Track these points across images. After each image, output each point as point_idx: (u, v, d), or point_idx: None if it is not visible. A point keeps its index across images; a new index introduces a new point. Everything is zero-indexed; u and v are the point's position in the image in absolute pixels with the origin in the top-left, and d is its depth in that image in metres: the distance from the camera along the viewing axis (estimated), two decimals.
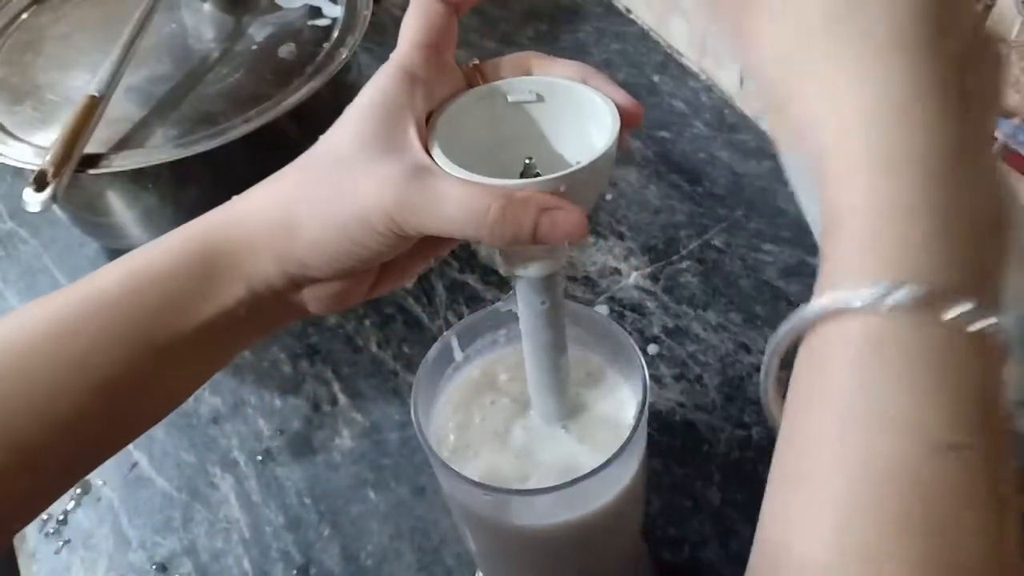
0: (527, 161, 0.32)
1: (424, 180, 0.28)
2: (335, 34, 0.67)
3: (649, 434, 0.42)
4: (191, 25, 0.68)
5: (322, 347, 0.64)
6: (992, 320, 0.20)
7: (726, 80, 0.77)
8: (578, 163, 0.29)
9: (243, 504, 0.56)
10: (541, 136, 0.33)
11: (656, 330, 0.62)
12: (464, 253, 0.68)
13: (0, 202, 0.78)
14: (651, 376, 0.54)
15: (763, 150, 0.73)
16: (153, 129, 0.60)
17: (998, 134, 0.52)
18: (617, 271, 0.66)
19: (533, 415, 0.40)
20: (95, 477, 0.58)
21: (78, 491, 0.58)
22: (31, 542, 0.56)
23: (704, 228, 0.68)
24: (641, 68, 0.82)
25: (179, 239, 0.30)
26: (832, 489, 0.20)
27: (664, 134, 0.75)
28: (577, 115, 0.32)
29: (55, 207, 0.55)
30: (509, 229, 0.27)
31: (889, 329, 0.20)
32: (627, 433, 0.35)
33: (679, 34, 0.81)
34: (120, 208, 0.63)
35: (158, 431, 0.60)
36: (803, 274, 0.64)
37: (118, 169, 0.58)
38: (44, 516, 0.57)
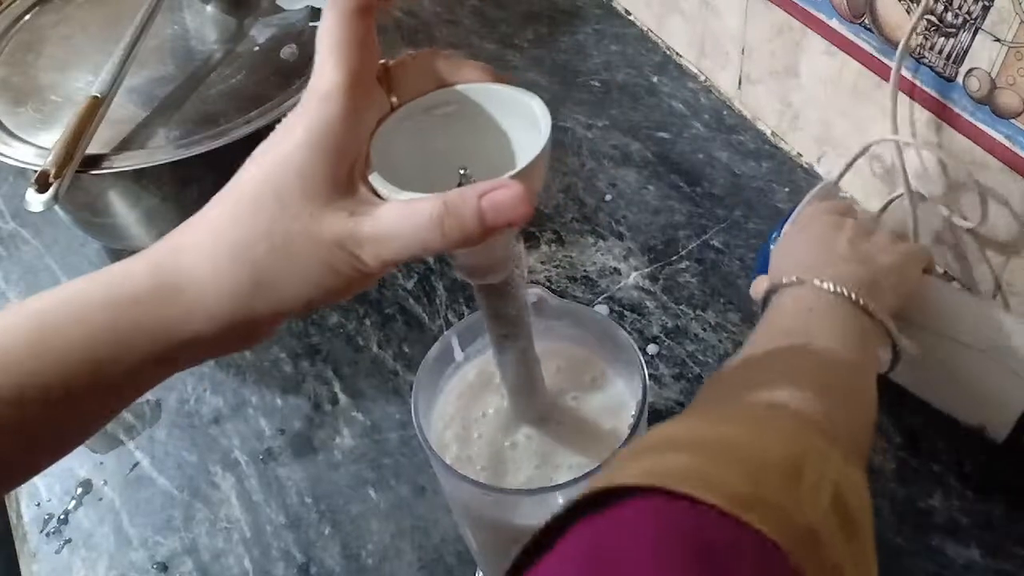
0: (461, 172, 0.31)
1: (373, 214, 0.28)
2: None
3: None
4: (193, 27, 0.69)
5: (323, 347, 0.64)
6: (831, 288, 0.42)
7: (725, 81, 0.77)
8: (516, 168, 0.29)
9: (244, 503, 0.56)
10: (473, 142, 0.33)
11: (655, 330, 0.62)
12: None
13: (2, 202, 0.78)
14: (650, 375, 0.54)
15: (762, 151, 0.73)
16: (155, 130, 0.60)
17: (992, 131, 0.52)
18: (616, 271, 0.66)
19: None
20: (96, 477, 0.59)
21: (79, 491, 0.58)
22: (32, 541, 0.56)
23: (703, 228, 0.68)
24: (640, 69, 0.82)
25: (130, 280, 0.29)
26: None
27: (663, 135, 0.76)
28: (503, 115, 0.32)
29: (57, 207, 0.55)
30: (455, 224, 0.27)
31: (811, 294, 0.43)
32: (627, 432, 0.36)
33: (678, 35, 0.81)
34: (122, 208, 0.63)
35: (159, 431, 0.60)
36: None
37: (120, 170, 0.58)
38: (45, 516, 0.57)
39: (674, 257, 0.67)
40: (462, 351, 0.42)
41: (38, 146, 0.59)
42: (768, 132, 0.74)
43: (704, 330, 0.62)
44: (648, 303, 0.64)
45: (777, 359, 0.38)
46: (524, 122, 0.31)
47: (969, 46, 0.51)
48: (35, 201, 0.54)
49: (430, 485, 0.56)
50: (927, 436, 0.54)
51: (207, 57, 0.66)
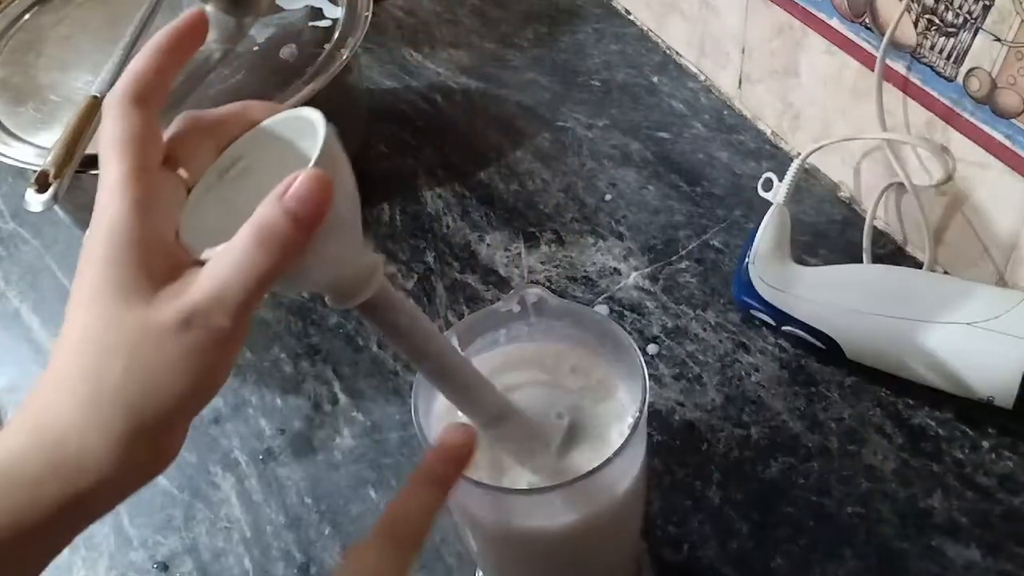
0: None
1: (198, 279, 0.27)
2: (336, 35, 0.67)
3: (649, 433, 0.42)
4: None
5: (323, 347, 0.64)
6: None
7: (725, 81, 0.77)
8: None
9: (244, 503, 0.56)
10: (267, 189, 0.31)
11: (655, 330, 0.62)
12: (464, 253, 0.68)
13: (2, 202, 0.78)
14: (650, 375, 0.54)
15: (762, 151, 0.73)
16: None
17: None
18: (616, 271, 0.66)
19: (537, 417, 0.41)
20: None
21: None
22: None
23: (703, 228, 0.68)
24: (640, 69, 0.82)
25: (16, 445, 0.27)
26: None
27: (663, 135, 0.76)
28: (292, 143, 0.30)
29: (56, 207, 0.55)
30: (270, 236, 0.26)
31: None
32: (627, 432, 0.36)
33: (678, 35, 0.81)
34: None
35: None
36: None
37: None
38: None
39: (674, 257, 0.67)
40: (462, 351, 0.42)
41: (38, 146, 0.59)
42: (768, 132, 0.74)
43: (704, 330, 0.62)
44: (648, 303, 0.64)
45: None
46: (312, 140, 0.29)
47: (969, 46, 0.51)
48: (35, 201, 0.54)
49: None
50: (927, 436, 0.54)
51: (206, 57, 0.66)
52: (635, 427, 0.36)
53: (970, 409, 0.55)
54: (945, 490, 0.52)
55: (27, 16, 0.70)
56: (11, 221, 0.76)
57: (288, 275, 0.28)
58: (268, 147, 0.31)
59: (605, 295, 0.65)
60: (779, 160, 0.72)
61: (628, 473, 0.38)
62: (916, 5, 0.54)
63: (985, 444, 0.54)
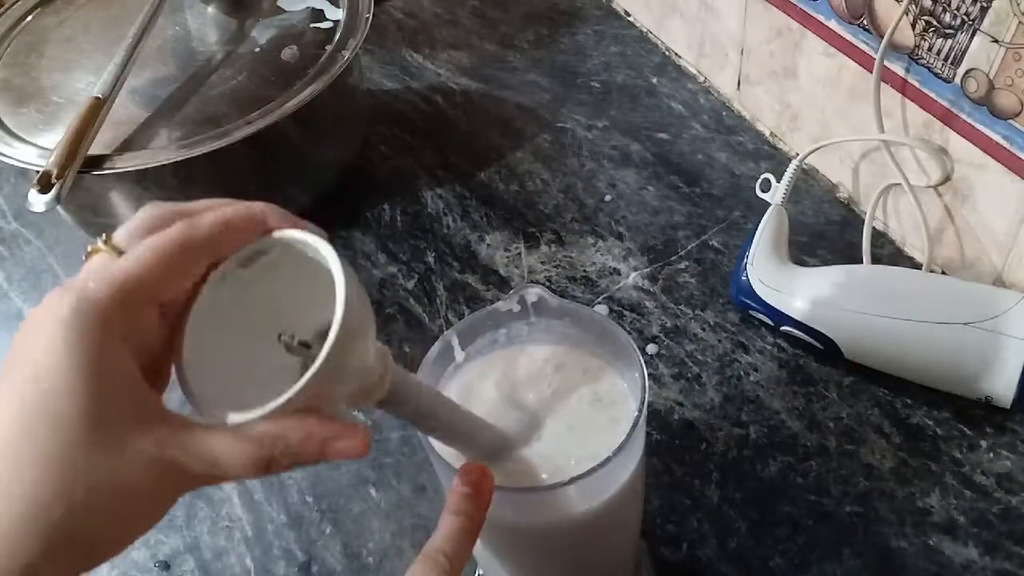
0: (282, 337, 0.29)
1: (200, 444, 0.27)
2: (337, 37, 0.67)
3: (648, 433, 0.42)
4: (194, 28, 0.69)
5: None
6: None
7: (724, 82, 0.77)
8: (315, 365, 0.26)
9: (245, 502, 0.57)
10: (285, 293, 0.30)
11: (655, 330, 0.62)
12: (464, 254, 0.69)
13: (4, 203, 0.78)
14: (650, 375, 0.54)
15: (760, 152, 0.74)
16: (156, 131, 0.61)
17: None
18: (616, 271, 0.66)
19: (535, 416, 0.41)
20: None
21: None
22: None
23: (702, 229, 0.68)
24: (640, 70, 0.82)
25: None
26: None
27: (663, 135, 0.76)
28: (305, 261, 0.29)
29: (59, 208, 0.56)
30: (289, 456, 0.27)
31: None
32: (627, 432, 0.36)
33: (678, 36, 0.81)
34: (124, 209, 0.63)
35: None
36: None
37: (122, 170, 0.58)
38: None
39: (673, 257, 0.67)
40: (462, 351, 0.42)
41: (40, 147, 0.59)
42: (767, 133, 0.75)
43: (703, 330, 0.62)
44: (647, 303, 0.64)
45: None
46: (323, 254, 0.28)
47: (967, 47, 0.52)
48: (37, 202, 0.54)
49: (431, 484, 0.56)
50: (925, 435, 0.55)
51: (208, 58, 0.66)
52: (634, 426, 0.36)
53: (968, 408, 0.55)
54: (943, 489, 0.52)
55: (29, 17, 0.70)
56: (14, 221, 0.76)
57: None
58: (288, 252, 0.29)
59: (605, 295, 0.65)
60: (778, 161, 0.72)
61: (627, 472, 0.38)
62: (914, 7, 0.54)
63: (983, 443, 0.54)
